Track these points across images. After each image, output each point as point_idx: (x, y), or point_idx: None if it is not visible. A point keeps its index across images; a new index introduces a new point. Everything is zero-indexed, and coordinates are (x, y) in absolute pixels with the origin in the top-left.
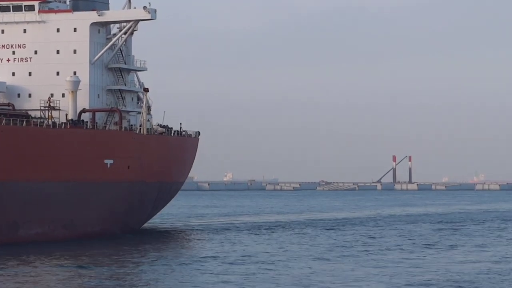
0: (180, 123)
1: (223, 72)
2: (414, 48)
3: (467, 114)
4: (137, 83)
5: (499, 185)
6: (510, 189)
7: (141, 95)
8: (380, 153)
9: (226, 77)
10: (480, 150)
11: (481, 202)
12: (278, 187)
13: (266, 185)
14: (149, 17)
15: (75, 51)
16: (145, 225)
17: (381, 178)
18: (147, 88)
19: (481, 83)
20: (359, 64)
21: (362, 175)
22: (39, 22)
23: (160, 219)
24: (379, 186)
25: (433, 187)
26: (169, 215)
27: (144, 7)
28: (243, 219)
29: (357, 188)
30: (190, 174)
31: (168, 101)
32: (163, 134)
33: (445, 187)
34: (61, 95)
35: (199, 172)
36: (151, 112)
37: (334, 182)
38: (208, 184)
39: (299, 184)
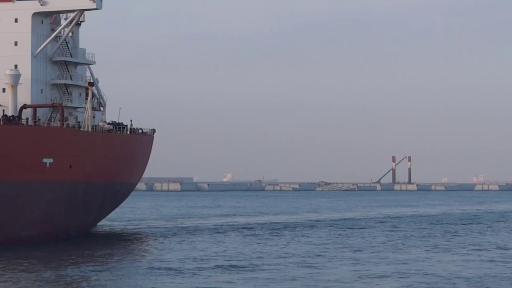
0: (131, 120)
1: (222, 73)
2: (414, 49)
3: (467, 114)
4: (90, 78)
5: (498, 185)
6: (509, 189)
7: (94, 90)
8: (380, 153)
9: (226, 77)
10: (479, 150)
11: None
12: (278, 188)
13: (266, 185)
14: (94, 7)
15: (16, 43)
16: (99, 228)
17: (380, 179)
18: (92, 83)
19: (481, 84)
20: (359, 65)
21: (361, 175)
22: None
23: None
24: (378, 187)
25: (433, 187)
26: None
27: None
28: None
29: (356, 189)
30: (189, 175)
31: (165, 101)
32: (111, 131)
33: (445, 187)
34: (1, 90)
35: (198, 172)
36: (106, 109)
37: (333, 183)
38: (208, 185)
39: (299, 185)
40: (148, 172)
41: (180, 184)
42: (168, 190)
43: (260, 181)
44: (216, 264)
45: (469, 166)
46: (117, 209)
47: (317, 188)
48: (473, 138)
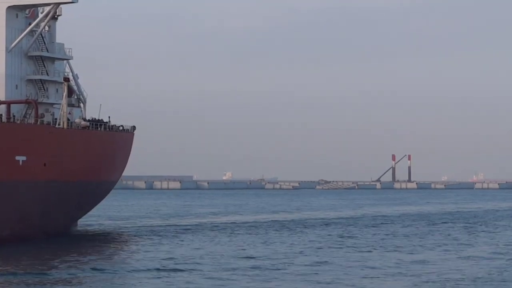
0: (109, 117)
1: (221, 71)
2: (413, 47)
3: (467, 113)
4: (69, 73)
5: (498, 184)
6: (509, 188)
7: (74, 86)
8: (380, 152)
9: (225, 76)
10: (479, 149)
11: None
12: (278, 186)
13: (266, 184)
14: (70, 0)
15: None
16: (81, 227)
17: (380, 177)
18: (68, 78)
19: (480, 82)
20: (358, 63)
21: (361, 174)
22: None
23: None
24: (378, 185)
25: (433, 186)
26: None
27: None
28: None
29: (356, 187)
30: (189, 173)
31: (164, 99)
32: (87, 128)
33: (445, 186)
34: None
35: (198, 171)
36: (88, 105)
37: (333, 181)
38: (208, 183)
39: (299, 183)
40: (148, 171)
41: (180, 182)
42: (168, 189)
43: (263, 179)
44: (202, 264)
45: (469, 164)
46: (106, 208)
47: (317, 187)
48: (473, 137)
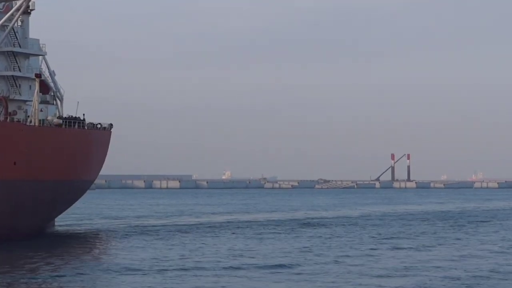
0: (83, 114)
1: (221, 70)
2: (412, 46)
3: (466, 112)
4: (46, 70)
5: (497, 183)
6: (508, 187)
7: (51, 83)
8: (379, 151)
9: (224, 75)
10: (479, 148)
11: None
12: (277, 185)
13: (265, 183)
14: None
15: None
16: (59, 228)
17: (379, 176)
18: (39, 74)
19: (480, 81)
20: (357, 61)
21: (360, 173)
22: None
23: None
24: (377, 184)
25: (432, 185)
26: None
27: None
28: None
29: (355, 186)
30: (188, 172)
31: (163, 98)
32: (60, 126)
33: (444, 185)
34: None
35: (198, 170)
36: (63, 102)
37: (332, 180)
38: (207, 182)
39: (298, 182)
40: (147, 170)
41: (179, 181)
42: (167, 188)
43: (264, 178)
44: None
45: (468, 163)
46: (102, 207)
47: (316, 186)
48: (472, 136)
